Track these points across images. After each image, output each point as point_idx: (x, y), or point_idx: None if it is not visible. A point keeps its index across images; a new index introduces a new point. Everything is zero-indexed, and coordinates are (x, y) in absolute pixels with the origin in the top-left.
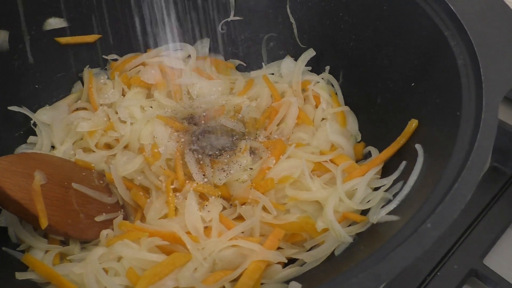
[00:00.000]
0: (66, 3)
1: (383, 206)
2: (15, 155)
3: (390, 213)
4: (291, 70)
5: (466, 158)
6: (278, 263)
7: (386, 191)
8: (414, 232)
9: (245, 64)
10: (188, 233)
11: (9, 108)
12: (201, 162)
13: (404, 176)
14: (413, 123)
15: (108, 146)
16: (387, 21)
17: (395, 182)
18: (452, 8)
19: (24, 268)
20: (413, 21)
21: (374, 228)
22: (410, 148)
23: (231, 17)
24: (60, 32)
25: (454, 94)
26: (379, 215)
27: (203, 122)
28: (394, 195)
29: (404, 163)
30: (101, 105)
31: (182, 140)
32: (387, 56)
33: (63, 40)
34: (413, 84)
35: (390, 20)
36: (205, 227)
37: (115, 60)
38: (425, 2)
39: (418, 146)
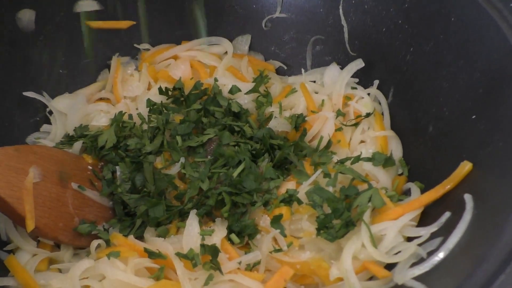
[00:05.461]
0: None
1: (413, 265)
2: (13, 147)
3: (418, 278)
4: (335, 80)
5: None
6: None
7: (420, 245)
8: None
9: (285, 67)
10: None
11: (24, 93)
12: None
13: (445, 232)
14: (465, 166)
15: None
16: (453, 36)
17: (432, 236)
18: None
19: (6, 271)
20: (485, 39)
21: None
22: (457, 197)
23: (277, 14)
24: (92, 15)
25: None
26: (407, 276)
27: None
28: (429, 254)
29: (447, 214)
30: (124, 97)
31: None
32: (447, 78)
33: (94, 24)
34: (474, 116)
35: (457, 35)
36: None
37: (147, 50)
38: (503, 18)
39: (467, 197)
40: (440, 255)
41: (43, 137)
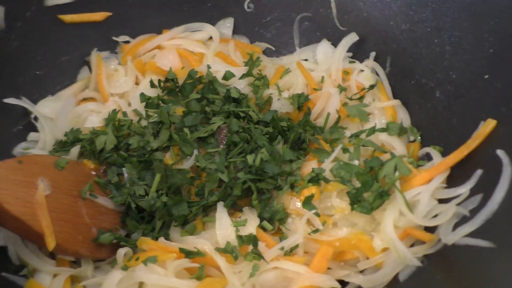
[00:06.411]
0: None
1: (457, 225)
2: (13, 160)
3: (473, 235)
4: (328, 56)
5: None
6: None
7: (458, 204)
8: None
9: (273, 48)
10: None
11: (5, 100)
12: None
13: (482, 189)
14: (489, 124)
15: None
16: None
17: (469, 194)
18: None
19: None
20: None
21: (449, 250)
22: (486, 154)
23: None
24: (65, 8)
25: None
26: (457, 235)
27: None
28: (472, 212)
29: (479, 172)
30: (111, 95)
31: None
32: (450, 42)
33: (67, 18)
34: (486, 76)
35: None
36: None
37: (127, 42)
38: None
39: (501, 152)
40: (490, 209)
41: (31, 147)
